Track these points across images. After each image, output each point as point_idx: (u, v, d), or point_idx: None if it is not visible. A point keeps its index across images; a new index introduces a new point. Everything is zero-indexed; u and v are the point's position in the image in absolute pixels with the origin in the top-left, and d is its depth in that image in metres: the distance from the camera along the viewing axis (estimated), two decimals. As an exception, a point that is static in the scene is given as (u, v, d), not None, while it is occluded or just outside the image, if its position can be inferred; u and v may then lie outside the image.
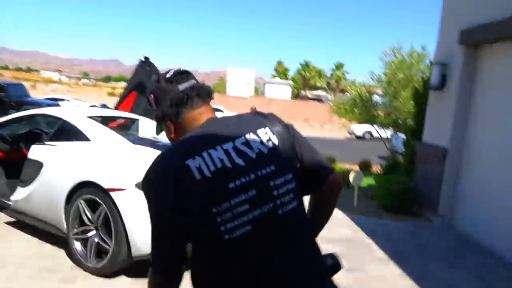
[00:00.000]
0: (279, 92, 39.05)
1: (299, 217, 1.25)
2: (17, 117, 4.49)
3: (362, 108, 10.99)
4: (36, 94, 32.51)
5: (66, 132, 4.01)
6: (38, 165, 3.65)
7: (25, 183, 3.76)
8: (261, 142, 1.22)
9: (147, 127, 4.89)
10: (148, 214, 1.18)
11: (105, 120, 5.08)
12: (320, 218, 1.39)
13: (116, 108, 6.11)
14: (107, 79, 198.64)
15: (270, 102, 35.48)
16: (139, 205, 2.98)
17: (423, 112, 6.75)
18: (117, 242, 3.08)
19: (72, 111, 4.47)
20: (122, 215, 3.02)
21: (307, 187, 1.32)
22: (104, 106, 15.36)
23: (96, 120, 4.27)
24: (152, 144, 3.91)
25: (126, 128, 5.02)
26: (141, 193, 2.95)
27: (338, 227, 5.08)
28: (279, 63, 67.13)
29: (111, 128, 5.12)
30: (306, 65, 62.29)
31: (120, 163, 3.32)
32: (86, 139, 3.72)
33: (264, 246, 1.16)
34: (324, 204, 1.38)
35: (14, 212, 3.95)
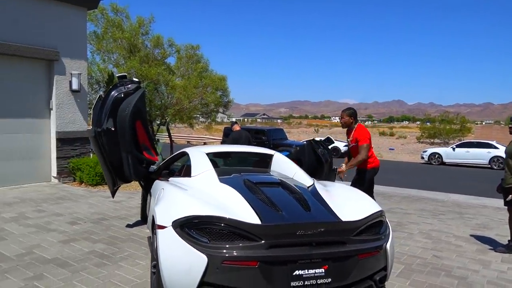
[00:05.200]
0: None
1: None
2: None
3: None
4: (313, 136, 36.56)
5: (187, 168, 4.10)
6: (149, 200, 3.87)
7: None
8: None
9: (280, 163, 4.45)
10: None
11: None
12: None
13: None
14: (390, 119, 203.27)
15: None
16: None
17: None
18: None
19: (200, 148, 4.56)
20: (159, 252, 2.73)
21: None
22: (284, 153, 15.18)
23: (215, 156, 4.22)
24: (252, 183, 3.38)
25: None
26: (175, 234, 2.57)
27: None
28: None
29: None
30: None
31: (178, 201, 3.06)
32: (190, 175, 3.68)
33: None
34: None
35: None
